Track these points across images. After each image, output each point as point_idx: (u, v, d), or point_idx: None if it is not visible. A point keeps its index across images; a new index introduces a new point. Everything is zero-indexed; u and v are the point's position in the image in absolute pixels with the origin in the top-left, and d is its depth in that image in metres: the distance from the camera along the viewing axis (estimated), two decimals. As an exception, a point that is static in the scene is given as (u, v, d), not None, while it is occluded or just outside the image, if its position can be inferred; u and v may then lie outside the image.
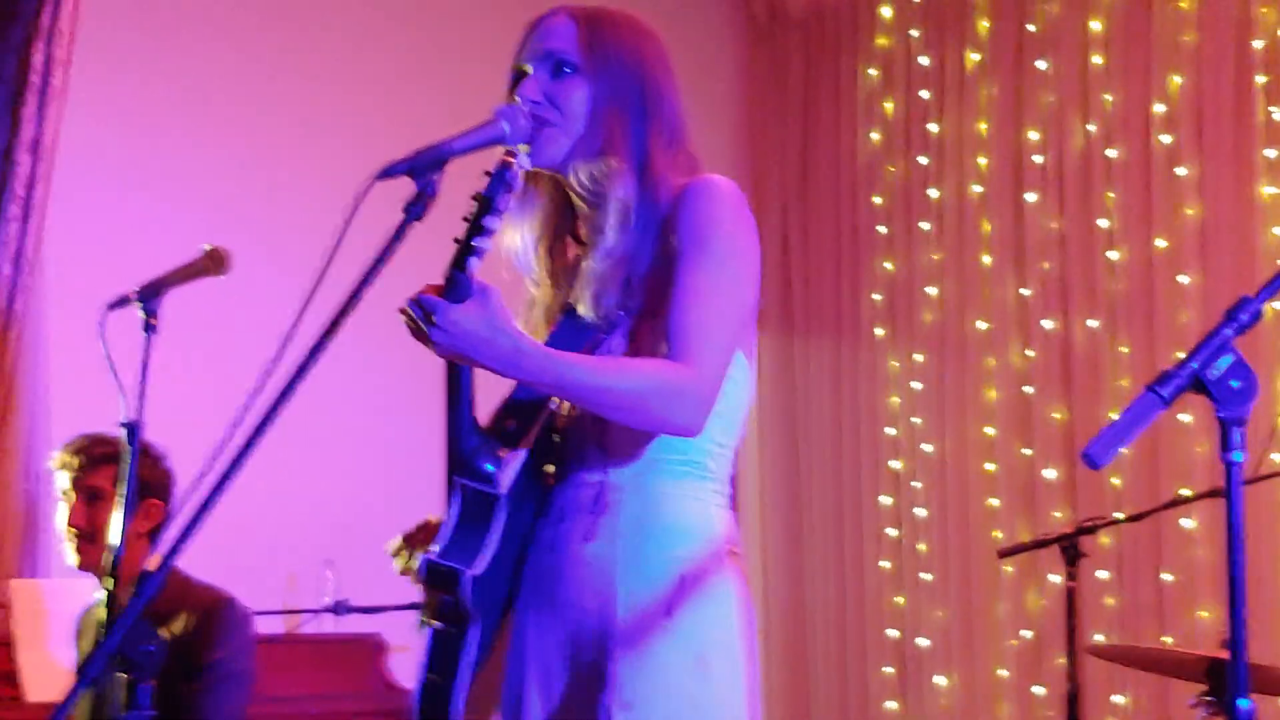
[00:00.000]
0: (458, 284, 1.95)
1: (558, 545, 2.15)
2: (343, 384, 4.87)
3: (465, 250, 1.95)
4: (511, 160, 1.95)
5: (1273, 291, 1.62)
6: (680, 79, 2.28)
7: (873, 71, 6.09)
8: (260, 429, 1.84)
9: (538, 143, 2.16)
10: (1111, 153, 5.40)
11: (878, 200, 6.04)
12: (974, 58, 5.80)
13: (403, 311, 1.99)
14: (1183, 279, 5.19)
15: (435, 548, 2.10)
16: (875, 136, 6.06)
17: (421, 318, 1.96)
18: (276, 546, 5.02)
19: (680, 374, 2.05)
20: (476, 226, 1.94)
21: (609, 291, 2.14)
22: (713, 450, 2.17)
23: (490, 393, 2.18)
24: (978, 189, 5.76)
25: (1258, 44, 5.06)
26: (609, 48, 2.19)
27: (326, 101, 5.41)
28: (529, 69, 2.19)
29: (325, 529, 5.08)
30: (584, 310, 2.17)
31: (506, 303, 2.01)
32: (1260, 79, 5.05)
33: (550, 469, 2.17)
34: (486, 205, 1.94)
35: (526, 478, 2.14)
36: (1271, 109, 5.03)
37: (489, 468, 2.09)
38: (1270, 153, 5.02)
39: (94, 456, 3.57)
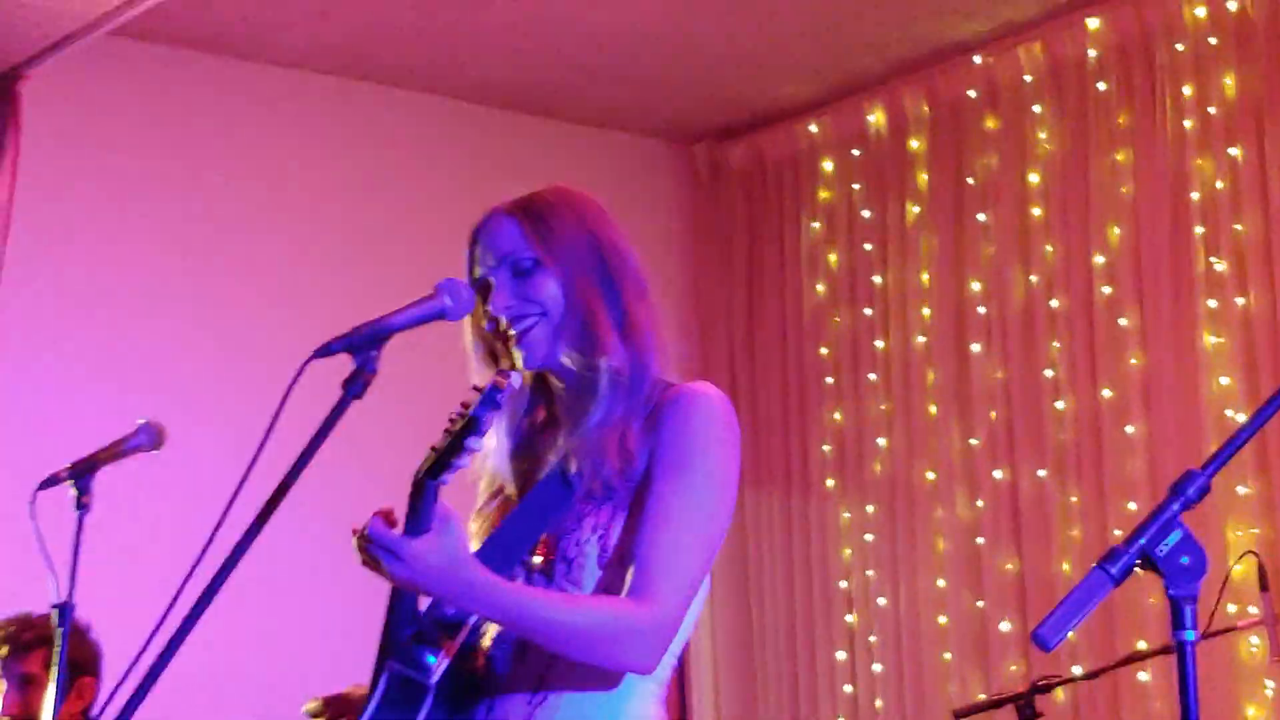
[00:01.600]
0: (421, 513, 1.90)
1: None
2: (283, 554, 4.80)
3: (440, 466, 1.90)
4: (503, 382, 1.90)
5: (1219, 466, 1.61)
6: (625, 233, 2.27)
7: (816, 225, 6.15)
8: (196, 612, 1.80)
9: (527, 346, 2.13)
10: (1054, 303, 5.44)
11: (824, 351, 6.06)
12: (915, 210, 5.86)
13: (357, 539, 1.94)
14: (1129, 428, 5.20)
15: None
16: (820, 288, 6.10)
17: (380, 553, 1.91)
18: (214, 714, 4.90)
19: (640, 615, 2.00)
20: (458, 445, 1.90)
21: (608, 458, 2.09)
22: (664, 660, 2.12)
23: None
24: (922, 339, 5.79)
25: (1194, 195, 5.13)
26: (556, 228, 2.16)
27: (266, 276, 5.40)
28: (491, 281, 2.16)
29: (263, 693, 4.96)
30: (581, 482, 2.11)
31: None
32: (1198, 230, 5.12)
33: (486, 644, 2.12)
34: (472, 425, 1.89)
35: (459, 662, 2.08)
36: (1211, 260, 5.09)
37: (429, 659, 2.04)
38: (1211, 303, 5.07)
39: (23, 642, 3.50)
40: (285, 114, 5.58)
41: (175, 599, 1.85)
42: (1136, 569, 1.58)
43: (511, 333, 2.14)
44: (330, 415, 1.92)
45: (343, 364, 1.97)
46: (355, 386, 1.95)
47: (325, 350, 1.94)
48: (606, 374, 2.12)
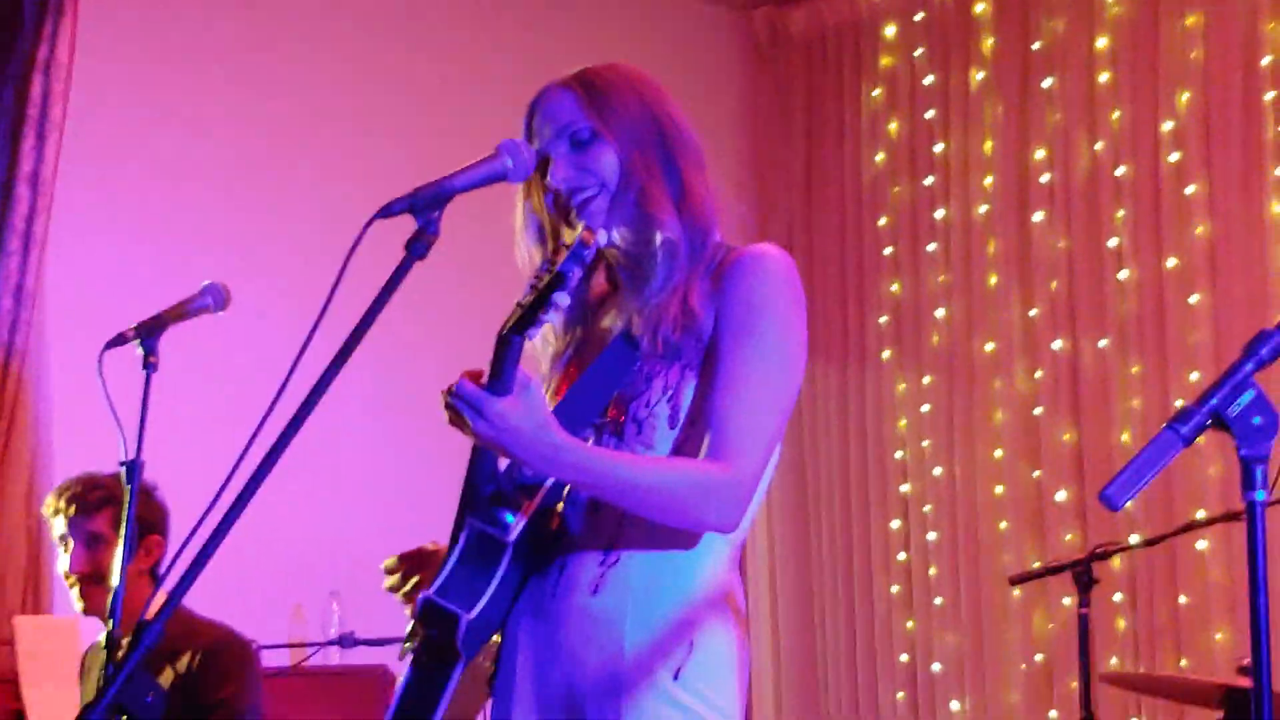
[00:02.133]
0: (504, 371, 1.92)
1: (561, 593, 2.11)
2: (349, 416, 4.85)
3: (526, 321, 1.91)
4: (590, 236, 1.91)
5: (1294, 325, 1.58)
6: (684, 102, 2.26)
7: (877, 92, 6.06)
8: (263, 470, 1.81)
9: (588, 217, 2.13)
10: (1119, 171, 5.37)
11: (883, 221, 6.01)
12: (979, 76, 5.77)
13: (445, 397, 1.96)
14: (1193, 298, 5.15)
15: (434, 585, 2.07)
16: (880, 157, 6.03)
17: (466, 410, 1.93)
18: (282, 578, 4.98)
19: (720, 475, 2.03)
20: (544, 299, 1.90)
21: (665, 322, 2.11)
22: (743, 523, 2.12)
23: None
24: (984, 209, 5.72)
25: (1266, 60, 5.03)
26: (614, 101, 2.16)
27: (329, 137, 5.37)
28: (550, 154, 2.16)
29: (331, 560, 5.04)
30: (645, 341, 2.12)
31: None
32: (1269, 96, 5.02)
33: (560, 507, 2.13)
34: (559, 280, 1.89)
35: (534, 522, 2.10)
36: (1281, 127, 4.99)
37: (508, 518, 2.06)
38: (1280, 171, 4.98)
39: (91, 501, 3.53)
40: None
41: (240, 460, 1.86)
42: (1207, 429, 1.56)
43: (572, 205, 2.14)
44: (393, 276, 1.92)
45: (407, 225, 1.97)
46: (418, 247, 1.94)
47: (387, 211, 1.94)
48: (663, 246, 2.12)
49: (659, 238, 2.12)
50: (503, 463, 2.09)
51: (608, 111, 2.15)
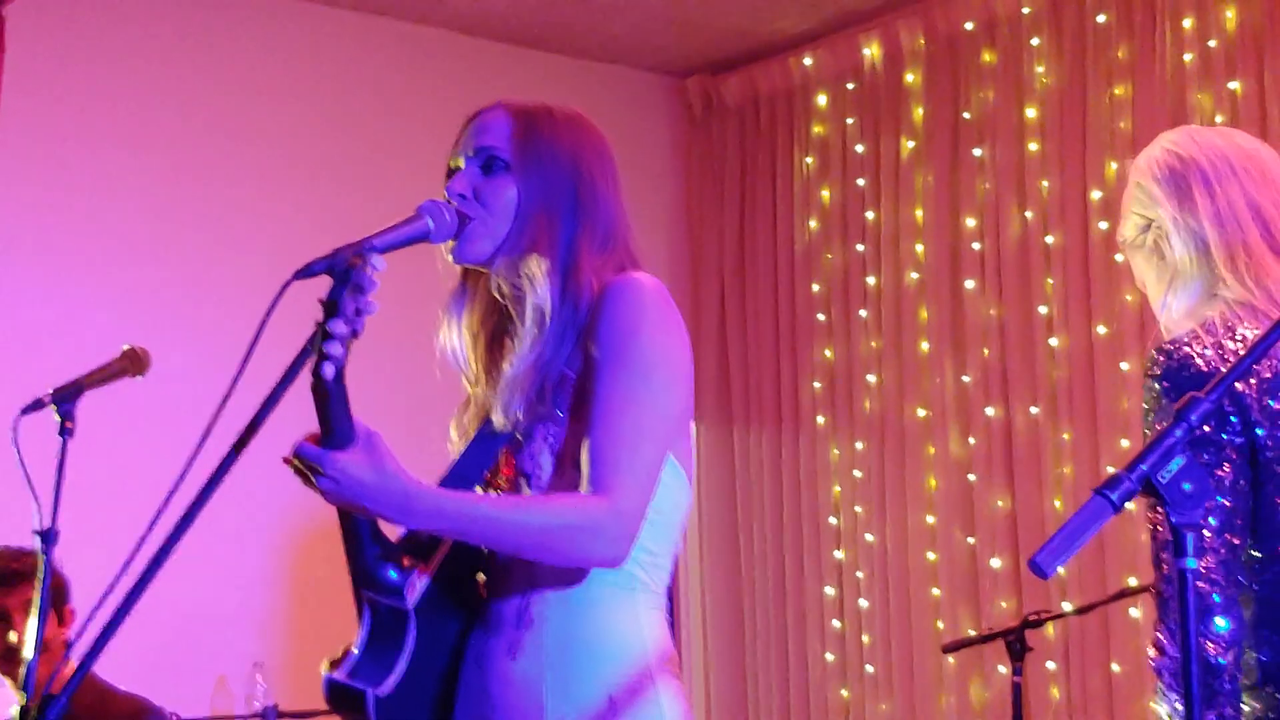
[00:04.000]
0: (333, 421, 1.88)
1: (484, 660, 2.06)
2: (271, 484, 4.77)
3: (319, 359, 1.88)
4: (358, 261, 1.88)
5: (1221, 392, 1.57)
6: (618, 180, 2.22)
7: (809, 159, 6.09)
8: (175, 536, 1.77)
9: (460, 239, 2.10)
10: (1049, 239, 5.40)
11: (816, 288, 6.02)
12: (910, 145, 5.80)
13: (288, 461, 1.92)
14: (1124, 365, 5.17)
15: (341, 667, 2.01)
16: (813, 224, 6.05)
17: (307, 469, 1.89)
18: (206, 649, 4.88)
19: (597, 507, 1.96)
20: (323, 333, 1.88)
21: (518, 400, 2.07)
22: (643, 560, 2.06)
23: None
24: (915, 276, 5.74)
25: (1192, 130, 5.07)
26: (542, 146, 2.14)
27: (248, 199, 5.33)
28: (461, 163, 2.14)
29: (255, 631, 4.94)
30: (496, 418, 2.09)
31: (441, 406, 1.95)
32: (1195, 166, 5.05)
33: (482, 578, 2.09)
34: (330, 309, 1.88)
35: (450, 587, 2.05)
36: (1207, 196, 5.03)
37: (392, 575, 2.00)
38: (1206, 239, 5.01)
39: (4, 575, 3.44)
40: (278, 40, 5.49)
41: (150, 527, 1.81)
42: (1137, 495, 1.54)
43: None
44: (312, 336, 1.89)
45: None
46: (336, 308, 1.91)
47: (306, 271, 1.91)
48: (531, 308, 2.08)
49: (534, 295, 2.08)
50: (395, 530, 2.04)
51: (531, 151, 2.13)
